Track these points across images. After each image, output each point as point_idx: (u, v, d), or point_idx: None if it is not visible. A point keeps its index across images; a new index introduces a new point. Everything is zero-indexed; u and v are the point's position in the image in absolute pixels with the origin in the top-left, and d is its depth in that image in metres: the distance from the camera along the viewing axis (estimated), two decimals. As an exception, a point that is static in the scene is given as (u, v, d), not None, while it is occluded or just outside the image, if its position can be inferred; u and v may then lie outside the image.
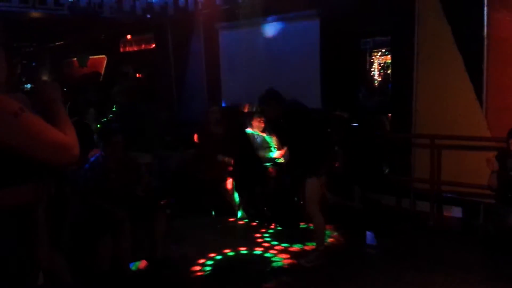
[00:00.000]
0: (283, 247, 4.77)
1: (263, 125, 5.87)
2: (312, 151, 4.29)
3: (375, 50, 6.45)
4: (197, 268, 4.32)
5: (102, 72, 11.50)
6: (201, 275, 4.20)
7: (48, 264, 3.40)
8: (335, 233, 5.09)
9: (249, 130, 5.90)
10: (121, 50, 10.72)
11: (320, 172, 4.39)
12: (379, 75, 6.61)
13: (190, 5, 7.26)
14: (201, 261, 4.46)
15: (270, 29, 7.26)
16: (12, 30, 9.85)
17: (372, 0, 6.01)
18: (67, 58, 12.30)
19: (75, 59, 11.83)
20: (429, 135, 5.42)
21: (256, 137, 5.83)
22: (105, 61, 11.47)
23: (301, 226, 5.35)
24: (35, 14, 8.21)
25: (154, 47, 9.83)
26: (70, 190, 4.12)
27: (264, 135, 5.86)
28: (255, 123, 5.87)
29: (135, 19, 8.35)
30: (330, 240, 4.93)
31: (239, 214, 5.78)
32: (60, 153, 1.68)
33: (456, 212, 5.34)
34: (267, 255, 4.62)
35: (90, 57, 11.54)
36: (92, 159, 4.20)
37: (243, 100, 6.92)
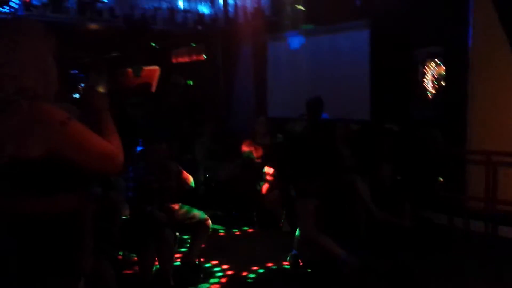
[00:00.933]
0: (327, 263, 4.66)
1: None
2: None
3: (427, 61, 6.21)
4: (239, 280, 4.30)
5: (155, 82, 11.78)
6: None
7: (94, 272, 3.51)
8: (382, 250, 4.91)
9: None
10: (173, 61, 10.94)
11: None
12: (432, 86, 6.36)
13: (240, 16, 7.33)
14: (244, 273, 4.43)
15: (318, 40, 7.19)
16: (68, 41, 10.33)
17: (425, 9, 5.82)
18: (122, 68, 12.70)
19: (130, 69, 12.19)
20: (485, 151, 5.16)
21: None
22: (158, 72, 11.74)
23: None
24: (92, 25, 8.57)
25: (204, 58, 9.97)
26: (117, 197, 4.24)
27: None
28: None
29: (187, 31, 8.53)
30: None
31: (284, 227, 5.70)
32: (105, 162, 1.75)
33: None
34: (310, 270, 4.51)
35: (144, 67, 11.87)
36: (135, 166, 4.30)
37: (289, 112, 6.88)
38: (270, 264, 4.64)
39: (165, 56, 11.07)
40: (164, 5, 7.41)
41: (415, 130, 6.04)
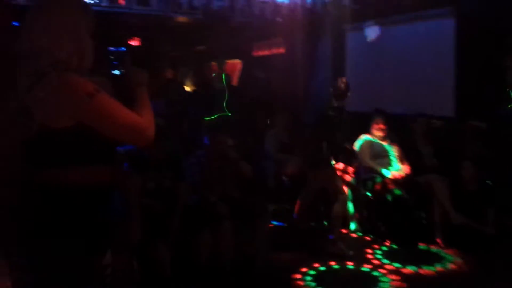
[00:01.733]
0: (394, 267, 4.34)
1: (382, 133, 5.44)
2: None
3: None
4: (298, 276, 4.14)
5: (237, 76, 11.90)
6: (299, 284, 4.00)
7: (149, 253, 3.54)
8: (459, 259, 4.49)
9: (367, 137, 5.51)
10: (254, 54, 10.96)
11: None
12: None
13: (318, 6, 7.11)
14: (304, 269, 4.26)
15: (400, 29, 6.75)
16: (157, 34, 10.71)
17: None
18: (207, 62, 13.00)
19: (214, 63, 12.44)
20: None
21: (373, 144, 5.42)
22: (240, 65, 11.84)
23: (419, 247, 4.84)
24: (181, 18, 8.79)
25: (283, 51, 9.85)
26: (183, 184, 4.26)
27: (384, 143, 5.43)
28: (374, 129, 5.47)
29: (266, 23, 8.45)
30: (451, 266, 4.37)
31: (352, 226, 5.42)
32: (133, 134, 1.79)
33: None
34: (374, 273, 4.23)
35: (227, 61, 12.04)
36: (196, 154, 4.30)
37: (367, 107, 6.53)
38: (332, 263, 4.43)
39: (246, 49, 11.12)
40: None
41: (505, 129, 5.46)
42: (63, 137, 1.69)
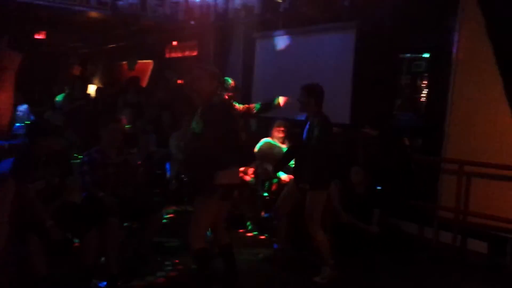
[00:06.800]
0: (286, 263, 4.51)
1: (282, 136, 5.65)
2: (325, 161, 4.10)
3: (412, 68, 6.08)
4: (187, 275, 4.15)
5: (148, 76, 11.72)
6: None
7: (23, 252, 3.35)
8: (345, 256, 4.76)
9: (267, 139, 5.70)
10: (167, 56, 10.89)
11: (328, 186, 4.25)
12: (415, 93, 6.22)
13: (230, 12, 7.23)
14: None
15: (307, 40, 7.07)
16: (66, 30, 10.29)
17: (412, 15, 5.68)
18: (117, 61, 12.68)
19: (125, 62, 12.17)
20: (458, 160, 5.00)
21: (273, 147, 5.61)
22: (151, 66, 11.70)
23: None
24: (91, 14, 8.48)
25: (196, 54, 9.88)
26: (71, 181, 4.12)
27: (284, 146, 5.64)
28: (274, 132, 5.67)
29: (179, 25, 8.43)
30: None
31: (249, 226, 5.56)
32: None
33: (481, 246, 4.84)
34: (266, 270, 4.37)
35: (139, 61, 11.83)
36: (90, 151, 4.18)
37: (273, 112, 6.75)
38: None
39: (159, 51, 11.02)
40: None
41: (393, 137, 5.90)
42: None
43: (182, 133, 6.53)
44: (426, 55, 5.84)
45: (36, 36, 10.43)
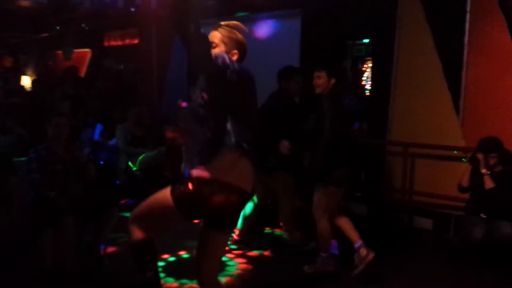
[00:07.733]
0: (241, 252, 4.55)
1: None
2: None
3: (356, 55, 6.26)
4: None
5: (86, 66, 11.28)
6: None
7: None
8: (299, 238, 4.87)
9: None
10: (105, 44, 10.51)
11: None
12: (359, 79, 6.41)
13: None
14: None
15: (252, 27, 7.06)
16: None
17: (355, 3, 5.83)
18: (52, 50, 12.10)
19: (60, 52, 11.63)
20: (402, 143, 5.23)
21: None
22: (89, 55, 11.26)
23: (265, 231, 5.14)
24: (23, 2, 8.03)
25: (138, 42, 9.62)
26: (16, 180, 3.93)
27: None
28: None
29: (119, 12, 8.17)
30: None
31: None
32: None
33: (427, 223, 5.13)
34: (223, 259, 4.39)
35: (75, 50, 11.34)
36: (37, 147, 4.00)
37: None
38: (182, 252, 4.48)
39: (97, 39, 10.61)
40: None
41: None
42: None
43: (129, 124, 6.36)
44: (368, 40, 6.03)
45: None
